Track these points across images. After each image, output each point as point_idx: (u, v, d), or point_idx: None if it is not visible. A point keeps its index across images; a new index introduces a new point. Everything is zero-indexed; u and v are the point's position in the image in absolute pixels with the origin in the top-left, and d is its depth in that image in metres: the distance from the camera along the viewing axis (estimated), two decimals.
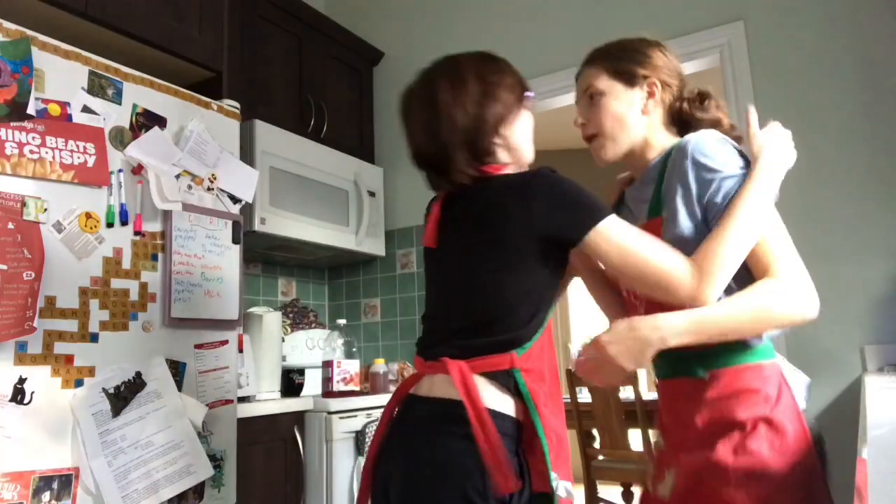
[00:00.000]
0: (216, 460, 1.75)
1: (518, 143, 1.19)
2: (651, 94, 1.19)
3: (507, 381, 1.06)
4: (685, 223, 1.10)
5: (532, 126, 1.23)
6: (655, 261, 1.03)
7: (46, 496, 1.41)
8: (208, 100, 1.92)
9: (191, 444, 1.67)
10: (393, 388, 2.57)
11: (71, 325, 1.51)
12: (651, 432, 3.21)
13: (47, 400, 1.44)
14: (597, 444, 3.53)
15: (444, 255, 1.18)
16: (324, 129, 2.81)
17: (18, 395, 1.40)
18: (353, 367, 2.39)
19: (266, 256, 2.83)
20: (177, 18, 2.02)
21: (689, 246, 1.06)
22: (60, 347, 1.48)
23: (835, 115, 2.17)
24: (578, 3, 2.73)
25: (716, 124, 1.20)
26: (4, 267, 1.39)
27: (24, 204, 1.46)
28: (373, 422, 2.23)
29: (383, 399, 2.36)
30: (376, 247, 2.96)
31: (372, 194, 2.93)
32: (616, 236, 1.04)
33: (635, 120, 1.19)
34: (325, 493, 2.09)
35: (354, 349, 2.50)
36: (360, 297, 3.17)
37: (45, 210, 1.49)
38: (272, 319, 2.41)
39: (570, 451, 1.14)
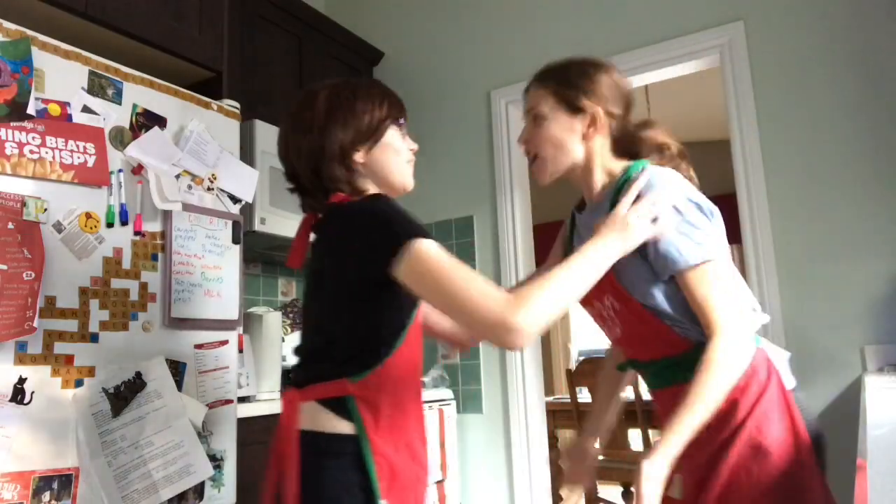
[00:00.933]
0: (216, 460, 1.75)
1: (381, 169, 1.18)
2: (592, 123, 1.20)
3: (341, 407, 1.06)
4: (630, 258, 1.11)
5: (404, 150, 1.21)
6: (465, 288, 0.96)
7: (46, 496, 1.41)
8: (208, 100, 1.92)
9: (191, 444, 1.67)
10: None
11: (71, 325, 1.51)
12: (651, 432, 3.21)
13: (47, 400, 1.44)
14: (597, 444, 3.52)
15: (305, 279, 1.20)
16: None
17: (18, 395, 1.40)
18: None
19: (266, 256, 2.82)
20: (177, 18, 2.02)
21: (636, 277, 1.12)
22: (60, 347, 1.48)
23: (835, 115, 2.17)
24: (579, 3, 2.73)
25: (662, 149, 1.24)
26: (4, 267, 1.39)
27: (24, 204, 1.46)
28: None
29: None
30: None
31: None
32: (425, 264, 0.99)
33: (574, 146, 1.21)
34: None
35: None
36: None
37: (45, 210, 1.49)
38: (272, 319, 2.41)
39: (424, 485, 1.15)
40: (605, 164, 1.23)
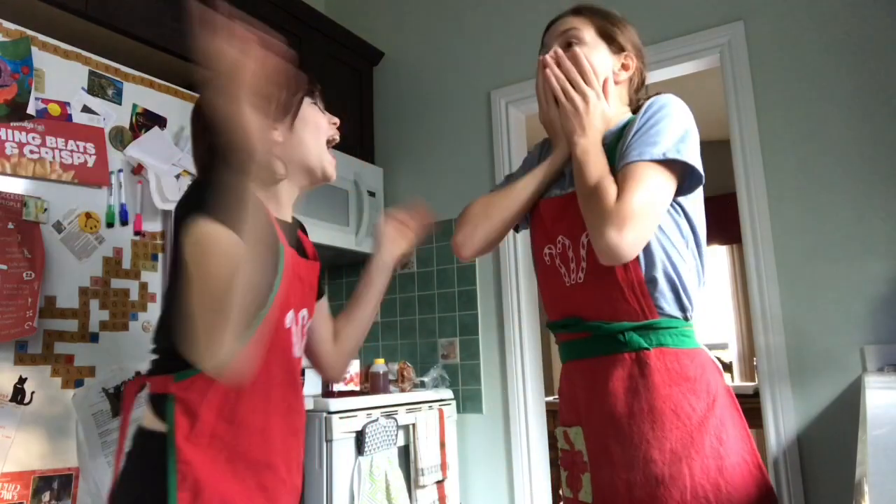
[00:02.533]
0: None
1: (296, 150, 1.12)
2: (625, 67, 1.19)
3: (160, 405, 0.99)
4: None
5: (320, 127, 1.16)
6: (206, 295, 0.85)
7: (46, 496, 1.41)
8: None
9: None
10: (393, 389, 2.58)
11: (71, 325, 1.51)
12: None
13: (47, 400, 1.44)
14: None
15: None
16: None
17: (18, 395, 1.40)
18: (353, 367, 2.39)
19: None
20: (177, 18, 2.02)
21: None
22: (60, 347, 1.48)
23: (835, 115, 2.17)
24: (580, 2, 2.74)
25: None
26: (4, 267, 1.39)
27: (24, 204, 1.46)
28: (373, 422, 2.23)
29: (383, 399, 2.36)
30: (371, 246, 2.95)
31: (372, 194, 2.93)
32: (197, 248, 0.87)
33: (608, 81, 1.18)
34: (325, 493, 2.09)
35: None
36: None
37: (45, 210, 1.49)
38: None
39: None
40: (617, 111, 1.19)
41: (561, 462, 1.16)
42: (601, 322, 1.07)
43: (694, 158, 1.08)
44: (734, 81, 2.35)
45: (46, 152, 1.51)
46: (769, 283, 2.20)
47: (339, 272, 3.25)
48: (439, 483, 2.47)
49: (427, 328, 2.94)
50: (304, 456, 2.07)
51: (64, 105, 1.56)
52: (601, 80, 1.16)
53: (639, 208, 0.99)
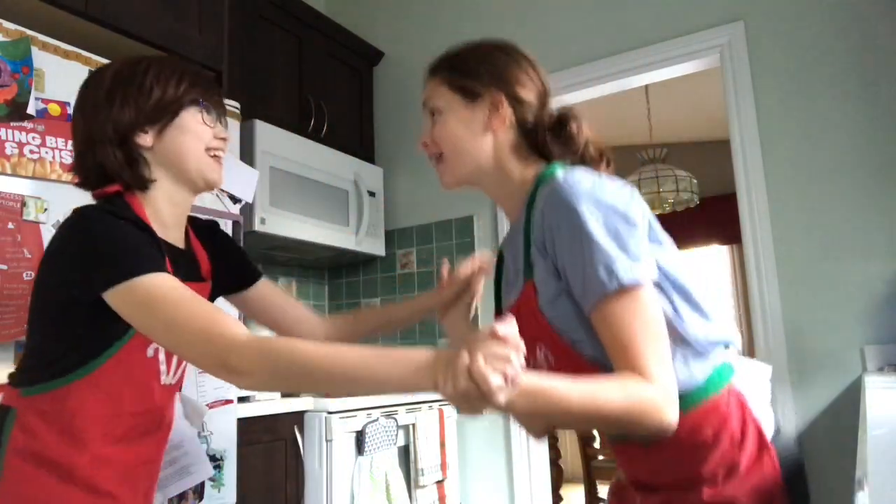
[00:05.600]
0: (216, 460, 1.75)
1: (174, 156, 1.05)
2: (493, 111, 1.02)
3: (1, 415, 0.96)
4: (552, 295, 0.92)
5: (205, 136, 1.08)
6: (185, 328, 0.86)
7: None
8: None
9: (191, 444, 1.66)
10: None
11: None
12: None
13: None
14: (597, 444, 3.53)
15: None
16: (324, 129, 2.81)
17: None
18: None
19: (266, 256, 2.82)
20: (177, 18, 2.02)
21: (571, 321, 0.91)
22: None
23: (835, 115, 2.17)
24: (579, 4, 2.73)
25: (578, 155, 1.03)
26: (4, 267, 1.39)
27: (24, 204, 1.46)
28: (373, 421, 2.23)
29: (383, 399, 2.36)
30: (376, 247, 2.96)
31: (372, 194, 2.93)
32: (144, 301, 0.88)
33: (477, 141, 1.03)
34: (325, 493, 2.09)
35: None
36: (360, 297, 3.17)
37: (45, 210, 1.49)
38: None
39: None
40: (517, 168, 1.03)
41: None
42: None
43: (644, 257, 0.87)
44: (734, 81, 2.35)
45: (46, 152, 1.51)
46: (769, 283, 2.20)
47: (339, 272, 3.25)
48: (439, 483, 2.47)
49: (427, 328, 2.94)
50: (304, 456, 2.06)
51: (64, 105, 1.56)
52: (463, 140, 1.02)
53: (667, 368, 0.84)
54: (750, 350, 5.03)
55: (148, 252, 0.94)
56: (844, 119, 2.15)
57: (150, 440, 1.08)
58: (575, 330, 0.92)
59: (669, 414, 0.82)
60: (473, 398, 0.72)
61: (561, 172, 0.94)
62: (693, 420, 0.88)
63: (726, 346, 0.96)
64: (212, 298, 1.19)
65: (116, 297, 0.90)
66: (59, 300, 0.97)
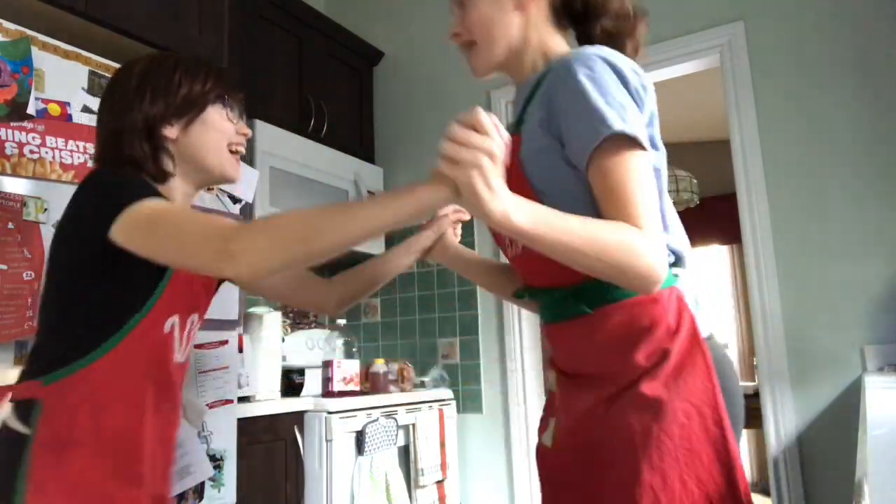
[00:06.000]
0: (216, 460, 1.75)
1: (196, 150, 1.09)
2: None
3: (27, 409, 0.94)
4: (538, 149, 0.92)
5: (229, 132, 1.12)
6: (185, 231, 0.89)
7: None
8: None
9: (191, 444, 1.67)
10: (393, 389, 2.58)
11: None
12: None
13: None
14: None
15: None
16: (324, 128, 2.81)
17: None
18: (353, 367, 2.39)
19: None
20: (177, 18, 2.02)
21: (550, 172, 0.91)
22: None
23: (835, 115, 2.17)
24: None
25: (622, 19, 1.00)
26: (4, 267, 1.39)
27: (24, 204, 1.46)
28: (373, 422, 2.23)
29: (383, 399, 2.36)
30: (376, 247, 2.95)
31: (372, 194, 2.93)
32: (146, 218, 0.92)
33: (507, 20, 1.00)
34: (325, 493, 2.09)
35: (354, 349, 2.50)
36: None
37: (45, 210, 1.49)
38: (272, 319, 2.41)
39: None
40: (542, 42, 1.01)
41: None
42: (546, 288, 1.01)
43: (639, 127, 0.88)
44: (734, 81, 2.35)
45: (46, 152, 1.51)
46: (769, 283, 2.20)
47: (339, 272, 3.25)
48: (439, 483, 2.47)
49: (427, 328, 2.94)
50: (304, 456, 2.07)
51: (64, 105, 1.56)
52: (493, 20, 1.00)
53: (658, 225, 0.85)
54: (750, 350, 5.02)
55: (148, 188, 0.98)
56: (844, 119, 2.15)
57: (166, 419, 1.09)
58: (551, 190, 0.91)
59: (658, 264, 0.82)
60: (480, 160, 0.75)
61: (579, 49, 0.93)
62: (632, 305, 0.90)
63: (677, 259, 0.96)
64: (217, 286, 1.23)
65: (122, 228, 0.92)
66: (74, 266, 0.98)
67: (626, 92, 0.89)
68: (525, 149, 0.94)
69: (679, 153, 5.06)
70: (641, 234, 0.82)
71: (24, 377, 1.01)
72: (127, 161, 1.05)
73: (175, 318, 1.06)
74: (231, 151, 1.14)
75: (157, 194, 0.99)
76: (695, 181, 4.13)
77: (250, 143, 2.36)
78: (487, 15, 1.01)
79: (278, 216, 0.88)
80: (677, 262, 0.96)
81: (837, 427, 2.03)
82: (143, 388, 1.02)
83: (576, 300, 0.94)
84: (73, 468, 0.95)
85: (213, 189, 1.88)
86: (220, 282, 1.23)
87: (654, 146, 0.93)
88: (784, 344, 2.15)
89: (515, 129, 0.98)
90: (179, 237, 0.89)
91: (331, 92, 2.94)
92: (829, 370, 2.08)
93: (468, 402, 2.78)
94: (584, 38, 1.03)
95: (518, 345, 2.69)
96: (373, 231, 0.84)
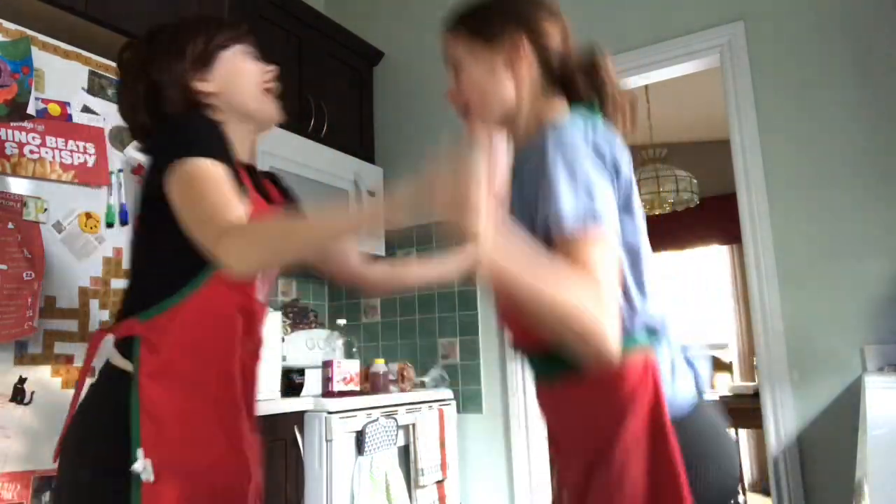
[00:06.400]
0: None
1: (233, 96, 1.13)
2: (513, 50, 0.99)
3: (127, 345, 1.01)
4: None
5: (254, 71, 1.17)
6: (201, 206, 0.94)
7: (46, 496, 1.41)
8: None
9: None
10: (393, 389, 2.58)
11: (71, 325, 1.51)
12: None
13: (47, 400, 1.44)
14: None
15: None
16: (324, 128, 2.81)
17: (18, 395, 1.40)
18: (353, 367, 2.39)
19: None
20: (176, 18, 2.02)
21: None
22: (60, 347, 1.48)
23: (835, 115, 2.17)
24: (579, 3, 2.73)
25: (603, 98, 1.01)
26: (4, 267, 1.39)
27: (24, 204, 1.46)
28: (373, 422, 2.23)
29: (383, 399, 2.36)
30: (376, 247, 2.96)
31: (372, 194, 2.93)
32: (185, 177, 0.96)
33: (500, 85, 1.00)
34: (325, 493, 2.09)
35: (354, 349, 2.50)
36: (360, 297, 3.17)
37: (45, 210, 1.49)
38: (272, 319, 2.41)
39: (235, 474, 1.04)
40: (535, 106, 1.01)
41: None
42: (527, 348, 1.00)
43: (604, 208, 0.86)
44: (734, 81, 2.35)
45: (46, 152, 1.51)
46: (769, 283, 2.20)
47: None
48: (439, 483, 2.47)
49: (427, 328, 2.94)
50: (304, 456, 2.06)
51: (64, 105, 1.56)
52: (487, 87, 1.01)
53: (614, 306, 0.81)
54: (750, 350, 5.02)
55: (217, 145, 1.01)
56: (844, 119, 2.15)
57: (252, 356, 1.13)
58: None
59: (609, 335, 0.78)
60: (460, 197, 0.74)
61: (560, 120, 0.93)
62: (592, 378, 0.86)
63: (654, 328, 0.92)
64: None
65: (169, 179, 0.97)
66: (158, 206, 1.00)
67: (599, 164, 0.88)
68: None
69: (679, 153, 5.07)
70: (596, 298, 0.79)
71: (120, 317, 1.06)
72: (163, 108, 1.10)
73: None
74: (265, 91, 1.17)
75: (224, 144, 1.02)
76: (695, 181, 4.13)
77: None
78: (481, 80, 1.02)
79: (262, 224, 0.95)
80: (654, 331, 0.92)
81: (837, 427, 2.03)
82: (231, 323, 1.06)
83: (545, 365, 0.94)
84: (178, 396, 1.00)
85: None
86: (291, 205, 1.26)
87: (630, 212, 0.92)
88: (784, 344, 2.15)
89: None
90: (194, 210, 0.95)
91: (330, 92, 2.94)
92: (829, 370, 2.08)
93: (468, 402, 2.78)
94: (576, 97, 1.03)
95: None
96: (331, 240, 0.93)
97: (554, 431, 1.03)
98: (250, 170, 1.17)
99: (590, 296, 0.79)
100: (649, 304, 0.93)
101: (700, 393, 0.94)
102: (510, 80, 1.01)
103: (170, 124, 1.07)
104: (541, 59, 1.01)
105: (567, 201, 0.84)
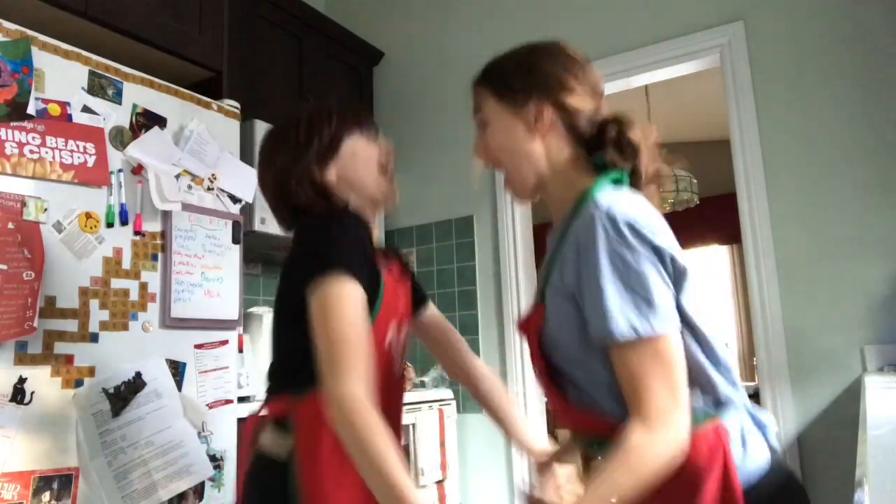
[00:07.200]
0: (216, 460, 1.75)
1: (353, 182, 1.14)
2: (540, 117, 0.98)
3: (282, 426, 1.04)
4: (558, 324, 0.92)
5: (374, 156, 1.18)
6: (330, 340, 0.95)
7: (46, 496, 1.41)
8: (208, 100, 1.92)
9: (191, 444, 1.67)
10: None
11: (71, 325, 1.51)
12: None
13: (47, 400, 1.44)
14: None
15: None
16: None
17: (18, 395, 1.40)
18: None
19: (266, 256, 2.82)
20: (177, 18, 2.02)
21: (562, 332, 0.91)
22: (60, 347, 1.48)
23: (835, 115, 2.17)
24: (579, 3, 2.73)
25: (633, 167, 1.00)
26: (4, 267, 1.39)
27: (24, 204, 1.46)
28: None
29: None
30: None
31: None
32: (322, 298, 0.97)
33: (527, 148, 0.99)
34: None
35: None
36: None
37: (45, 210, 1.49)
38: (272, 320, 2.41)
39: None
40: (566, 172, 0.99)
41: None
42: (580, 434, 1.01)
43: (668, 310, 0.85)
44: (734, 81, 2.35)
45: (46, 152, 1.51)
46: (769, 283, 2.20)
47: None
48: (439, 483, 2.47)
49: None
50: None
51: (64, 105, 1.56)
52: (516, 151, 1.00)
53: (664, 407, 0.82)
54: (750, 350, 5.03)
55: (358, 257, 1.02)
56: (844, 119, 2.15)
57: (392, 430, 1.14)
58: (569, 368, 0.93)
59: (669, 450, 0.81)
60: None
61: (603, 198, 0.89)
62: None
63: (723, 402, 0.91)
64: None
65: (310, 293, 0.98)
66: (295, 301, 1.03)
67: (652, 257, 0.85)
68: (547, 327, 0.94)
69: (679, 153, 5.06)
70: (645, 440, 0.80)
71: (271, 397, 1.10)
72: (298, 211, 1.13)
73: (393, 327, 1.12)
74: (383, 171, 1.18)
75: (364, 246, 1.05)
76: (695, 181, 4.13)
77: (250, 143, 2.36)
78: (506, 144, 1.01)
79: (361, 422, 0.90)
80: (724, 404, 0.91)
81: (837, 427, 2.03)
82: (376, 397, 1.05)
83: (598, 450, 0.94)
84: (333, 473, 1.01)
85: (213, 189, 1.88)
86: (415, 286, 1.28)
87: (683, 290, 0.89)
88: (784, 344, 2.15)
89: (540, 297, 0.98)
90: (328, 344, 0.95)
91: (331, 92, 2.94)
92: (829, 370, 2.08)
93: (468, 402, 2.78)
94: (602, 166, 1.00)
95: (518, 345, 2.69)
96: (381, 490, 0.88)
97: None
98: (384, 253, 1.19)
99: (657, 439, 0.81)
100: (725, 377, 0.92)
101: (773, 451, 0.92)
102: (537, 145, 0.99)
103: (309, 227, 1.09)
104: (567, 125, 0.99)
105: (614, 303, 0.83)
